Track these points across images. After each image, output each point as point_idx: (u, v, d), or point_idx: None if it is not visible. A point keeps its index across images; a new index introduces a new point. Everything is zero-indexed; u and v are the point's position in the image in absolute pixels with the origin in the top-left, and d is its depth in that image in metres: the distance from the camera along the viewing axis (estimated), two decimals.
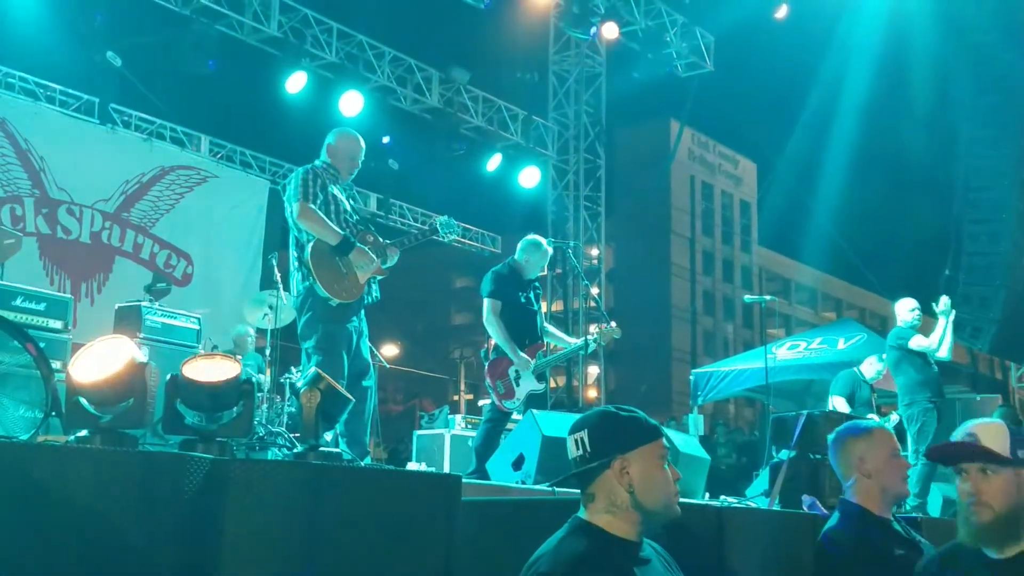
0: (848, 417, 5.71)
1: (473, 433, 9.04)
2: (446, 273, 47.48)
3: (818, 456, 4.93)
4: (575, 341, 7.02)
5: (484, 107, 15.55)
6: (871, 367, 9.39)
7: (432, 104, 14.70)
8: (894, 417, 8.77)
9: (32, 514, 2.36)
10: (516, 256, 6.88)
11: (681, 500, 2.46)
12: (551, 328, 7.17)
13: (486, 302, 6.65)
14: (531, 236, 6.95)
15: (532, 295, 6.81)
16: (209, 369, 3.32)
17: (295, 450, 3.80)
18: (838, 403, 9.10)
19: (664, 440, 2.42)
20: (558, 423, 5.71)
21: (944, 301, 8.51)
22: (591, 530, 2.35)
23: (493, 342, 6.71)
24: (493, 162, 15.27)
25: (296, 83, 12.43)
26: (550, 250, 6.97)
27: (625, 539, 2.35)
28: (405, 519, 2.86)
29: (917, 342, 8.42)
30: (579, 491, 2.45)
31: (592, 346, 6.84)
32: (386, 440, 14.46)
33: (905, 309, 8.62)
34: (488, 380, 6.63)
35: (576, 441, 2.43)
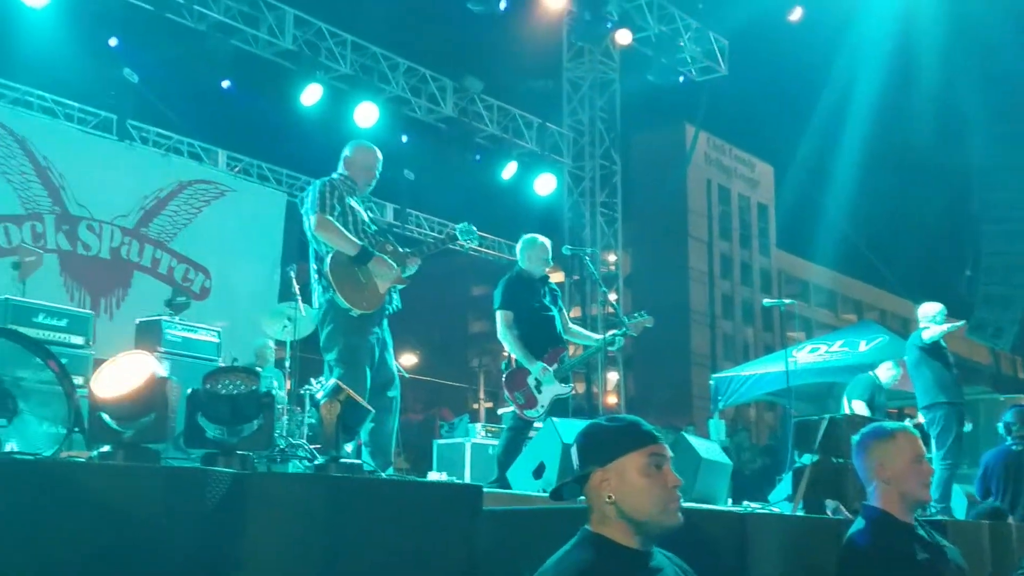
0: (870, 420, 5.68)
1: (493, 441, 9.05)
2: (463, 282, 47.50)
3: (841, 460, 4.90)
4: (601, 337, 6.93)
5: (499, 115, 15.57)
6: (887, 372, 9.39)
7: (447, 113, 14.73)
8: (908, 423, 8.76)
9: (56, 530, 2.37)
10: (518, 262, 6.79)
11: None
12: (576, 328, 7.06)
13: (498, 315, 6.55)
14: (525, 235, 6.83)
15: (548, 298, 6.70)
16: (229, 382, 3.33)
17: (316, 462, 3.81)
18: (858, 407, 9.06)
19: (656, 447, 2.40)
20: (577, 431, 5.70)
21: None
22: (596, 540, 2.36)
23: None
24: (508, 170, 15.28)
25: (311, 95, 12.49)
26: (547, 242, 6.79)
27: (631, 548, 2.35)
28: (427, 530, 2.86)
29: (927, 333, 8.35)
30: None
31: (620, 342, 6.73)
32: (407, 449, 14.48)
33: (933, 311, 8.49)
34: (506, 392, 6.56)
35: (572, 454, 2.47)
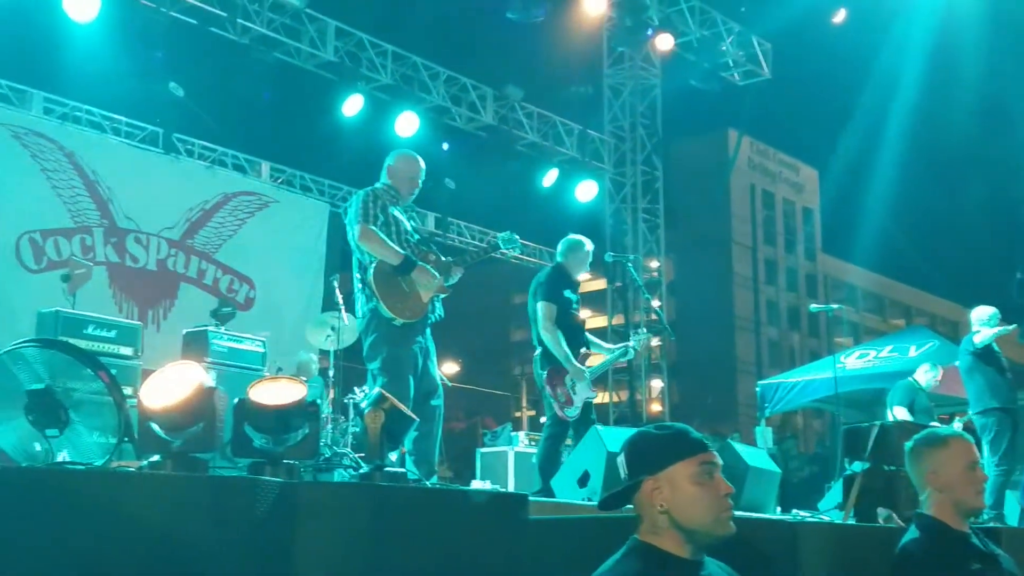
0: (924, 426, 5.59)
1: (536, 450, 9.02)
2: (505, 290, 47.52)
3: (892, 467, 4.82)
4: (615, 347, 6.89)
5: (539, 123, 15.57)
6: (925, 375, 9.54)
7: (487, 122, 14.76)
8: (957, 425, 8.76)
9: (107, 539, 2.39)
10: (559, 259, 6.63)
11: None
12: (589, 337, 7.00)
13: (541, 306, 6.31)
14: (571, 236, 6.67)
15: (576, 301, 6.62)
16: (275, 392, 3.35)
17: (361, 471, 3.82)
18: (899, 413, 9.13)
19: (707, 454, 2.36)
20: (623, 439, 5.65)
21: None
22: (646, 550, 2.32)
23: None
24: (549, 177, 15.26)
25: (353, 106, 12.59)
26: (591, 248, 6.65)
27: (682, 558, 2.31)
28: (473, 539, 2.85)
29: (979, 337, 8.26)
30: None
31: (631, 353, 6.72)
32: (450, 458, 14.50)
33: (986, 315, 8.40)
34: (548, 389, 6.40)
35: (620, 463, 2.43)
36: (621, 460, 2.43)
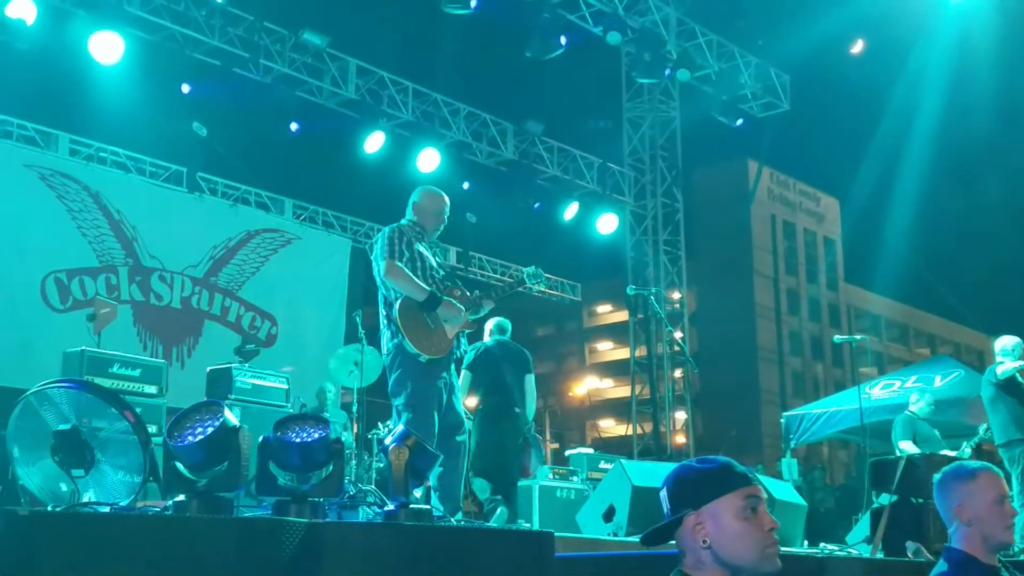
0: (951, 458, 5.54)
1: (561, 484, 9.01)
2: (527, 322, 47.44)
3: (920, 500, 4.78)
4: None
5: (559, 157, 15.63)
6: (916, 404, 9.52)
7: (507, 156, 14.84)
8: (966, 445, 8.86)
9: None
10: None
11: (780, 549, 2.37)
12: None
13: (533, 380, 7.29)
14: (502, 321, 7.77)
15: None
16: (299, 430, 3.36)
17: (385, 508, 3.81)
18: (906, 447, 9.10)
19: (751, 488, 2.33)
20: (647, 472, 5.65)
21: None
22: None
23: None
24: (570, 211, 15.29)
25: (374, 143, 12.68)
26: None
27: None
28: None
29: (1002, 368, 8.17)
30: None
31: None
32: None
33: (1009, 345, 8.31)
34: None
35: (661, 498, 2.41)
36: (663, 494, 2.40)
